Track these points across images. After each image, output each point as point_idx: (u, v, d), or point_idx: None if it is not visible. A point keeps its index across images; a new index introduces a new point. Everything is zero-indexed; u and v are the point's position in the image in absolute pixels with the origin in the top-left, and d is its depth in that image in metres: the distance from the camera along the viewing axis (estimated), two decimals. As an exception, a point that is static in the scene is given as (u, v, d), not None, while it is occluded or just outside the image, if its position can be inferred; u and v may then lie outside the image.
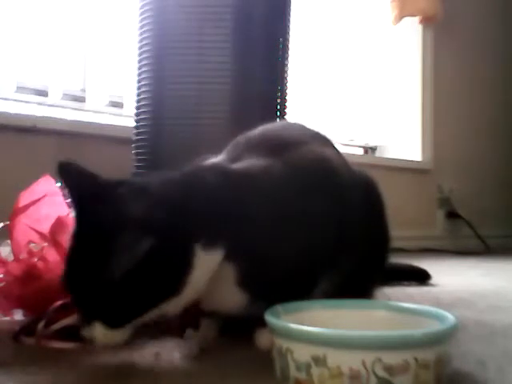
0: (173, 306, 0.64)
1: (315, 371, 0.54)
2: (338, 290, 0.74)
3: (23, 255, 0.80)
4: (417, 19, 2.71)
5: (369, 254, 0.81)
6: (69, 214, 0.79)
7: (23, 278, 0.78)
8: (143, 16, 1.28)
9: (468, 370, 0.64)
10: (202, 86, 1.21)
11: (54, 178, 0.82)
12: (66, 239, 0.69)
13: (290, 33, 1.33)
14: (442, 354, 0.56)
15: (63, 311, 0.71)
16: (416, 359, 0.53)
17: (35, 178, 0.86)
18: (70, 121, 1.68)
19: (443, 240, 2.73)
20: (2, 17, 1.65)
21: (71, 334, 0.67)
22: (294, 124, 0.91)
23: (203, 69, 1.21)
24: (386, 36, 2.74)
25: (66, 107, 1.80)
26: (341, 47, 2.63)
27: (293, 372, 0.55)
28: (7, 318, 0.81)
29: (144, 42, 1.28)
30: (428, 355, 0.54)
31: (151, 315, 0.64)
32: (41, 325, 0.71)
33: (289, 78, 1.34)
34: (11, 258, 0.82)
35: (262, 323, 0.61)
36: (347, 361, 0.52)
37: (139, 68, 1.29)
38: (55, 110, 1.76)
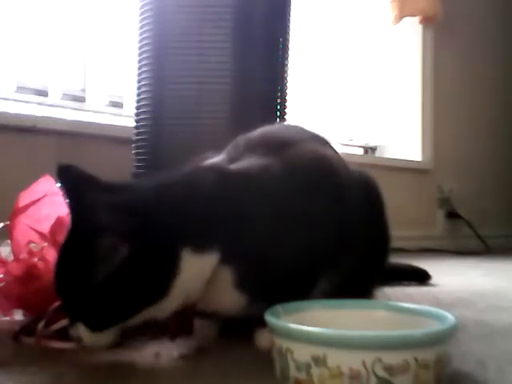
0: (161, 310, 0.64)
1: (315, 371, 0.54)
2: (338, 290, 0.74)
3: (23, 255, 0.80)
4: (417, 19, 2.71)
5: (369, 254, 0.81)
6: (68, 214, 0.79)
7: (23, 277, 0.78)
8: (143, 16, 1.28)
9: (468, 369, 0.64)
10: (202, 85, 1.21)
11: (53, 178, 0.82)
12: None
13: (290, 33, 1.33)
14: (442, 354, 0.56)
15: (63, 311, 0.71)
16: (416, 359, 0.53)
17: (35, 177, 0.85)
18: (70, 121, 1.68)
19: (443, 240, 2.73)
20: (2, 17, 1.65)
21: (71, 334, 0.67)
22: (294, 126, 0.91)
23: (203, 69, 1.21)
24: (386, 36, 2.74)
25: (66, 107, 1.80)
26: (341, 47, 2.64)
27: (293, 372, 0.55)
28: (7, 318, 0.81)
29: (144, 42, 1.28)
30: (428, 355, 0.54)
31: (137, 319, 0.64)
32: (41, 325, 0.71)
33: (289, 78, 1.34)
34: (11, 258, 0.82)
35: (262, 323, 0.61)
36: (347, 361, 0.52)
37: (139, 68, 1.29)
38: (55, 110, 1.76)
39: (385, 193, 0.87)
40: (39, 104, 1.75)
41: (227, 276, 0.66)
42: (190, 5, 1.22)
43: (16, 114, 1.59)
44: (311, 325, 0.56)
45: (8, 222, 0.84)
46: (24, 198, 0.85)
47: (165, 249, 0.63)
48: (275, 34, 1.29)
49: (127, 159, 1.33)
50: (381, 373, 0.52)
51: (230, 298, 0.68)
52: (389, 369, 0.52)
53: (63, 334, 0.70)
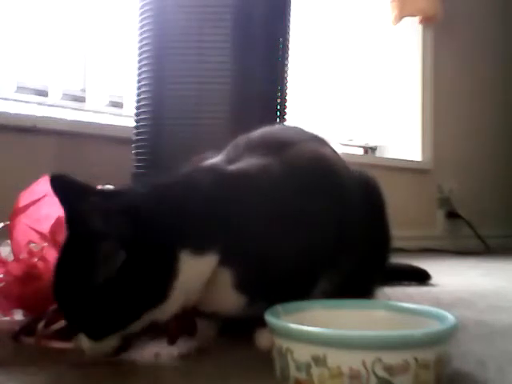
0: (162, 313, 0.64)
1: (315, 371, 0.53)
2: (338, 289, 0.74)
3: (23, 255, 0.80)
4: (417, 19, 2.71)
5: (369, 254, 0.81)
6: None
7: (23, 277, 0.78)
8: (143, 16, 1.28)
9: (468, 369, 0.64)
10: (202, 85, 1.21)
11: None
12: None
13: (290, 33, 1.33)
14: (442, 354, 0.56)
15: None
16: (416, 359, 0.53)
17: (35, 178, 0.85)
18: (70, 121, 1.68)
19: (443, 240, 2.73)
20: (3, 17, 1.65)
21: (71, 334, 0.67)
22: (293, 127, 0.91)
23: (203, 69, 1.21)
24: (386, 36, 2.74)
25: (66, 107, 1.80)
26: (341, 47, 2.64)
27: (293, 372, 0.55)
28: (7, 318, 0.81)
29: (144, 42, 1.28)
30: (428, 355, 0.54)
31: (138, 325, 0.63)
32: (41, 325, 0.71)
33: (289, 78, 1.34)
34: (11, 258, 0.82)
35: (262, 323, 0.61)
36: (347, 361, 0.52)
37: (139, 68, 1.30)
38: (55, 110, 1.76)
39: (385, 193, 0.87)
40: (39, 104, 1.75)
41: (227, 277, 0.66)
42: (190, 5, 1.22)
43: (16, 114, 1.59)
44: (311, 325, 0.56)
45: (8, 222, 0.84)
46: (24, 198, 0.85)
47: (163, 251, 0.63)
48: (275, 33, 1.29)
49: (127, 159, 1.33)
50: (381, 373, 0.52)
51: (229, 299, 0.68)
52: (389, 369, 0.52)
53: (63, 334, 0.70)
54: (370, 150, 2.80)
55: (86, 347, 0.63)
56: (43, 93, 1.75)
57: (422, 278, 1.44)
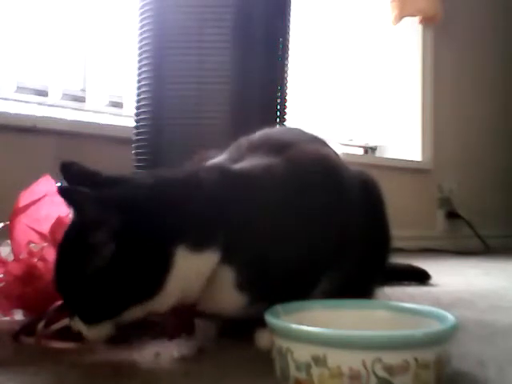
0: (157, 305, 0.64)
1: (315, 371, 0.53)
2: (338, 289, 0.74)
3: (23, 255, 0.80)
4: (417, 19, 2.71)
5: (369, 254, 0.81)
6: (69, 214, 0.79)
7: (23, 278, 0.78)
8: (143, 16, 1.28)
9: (468, 370, 0.64)
10: (202, 86, 1.21)
11: (53, 178, 0.82)
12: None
13: (290, 33, 1.33)
14: (442, 354, 0.56)
15: (63, 311, 0.71)
16: (416, 359, 0.53)
17: (35, 178, 0.85)
18: (70, 121, 1.68)
19: (443, 240, 2.73)
20: (3, 17, 1.65)
21: (71, 334, 0.67)
22: (293, 128, 0.92)
23: (203, 69, 1.21)
24: (386, 36, 2.74)
25: (66, 107, 1.81)
26: (341, 47, 2.64)
27: (293, 372, 0.55)
28: (7, 318, 0.81)
29: (144, 42, 1.28)
30: (428, 355, 0.54)
31: (132, 314, 0.64)
32: (41, 325, 0.71)
33: (289, 79, 1.34)
34: (11, 258, 0.82)
35: (262, 323, 0.61)
36: (347, 361, 0.52)
37: (139, 68, 1.30)
38: (55, 110, 1.76)
39: (385, 193, 0.87)
40: (39, 104, 1.75)
41: (228, 276, 0.66)
42: (190, 5, 1.22)
43: (16, 114, 1.59)
44: (311, 325, 0.56)
45: (8, 222, 0.84)
46: (24, 198, 0.85)
47: (156, 244, 0.63)
48: (275, 34, 1.29)
49: (127, 159, 1.33)
50: (381, 373, 0.52)
51: (230, 299, 0.68)
52: (389, 369, 0.52)
53: (63, 334, 0.70)
54: (370, 150, 2.80)
55: (81, 328, 0.64)
56: (43, 93, 1.75)
57: (421, 278, 1.44)
